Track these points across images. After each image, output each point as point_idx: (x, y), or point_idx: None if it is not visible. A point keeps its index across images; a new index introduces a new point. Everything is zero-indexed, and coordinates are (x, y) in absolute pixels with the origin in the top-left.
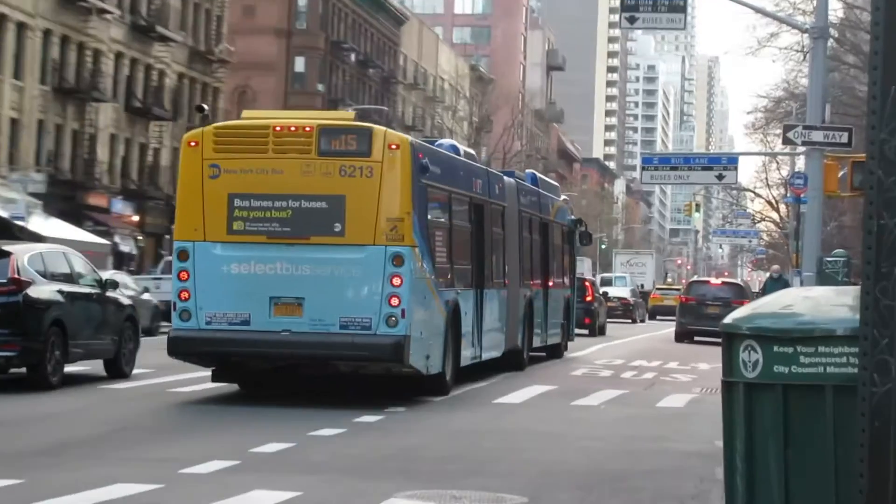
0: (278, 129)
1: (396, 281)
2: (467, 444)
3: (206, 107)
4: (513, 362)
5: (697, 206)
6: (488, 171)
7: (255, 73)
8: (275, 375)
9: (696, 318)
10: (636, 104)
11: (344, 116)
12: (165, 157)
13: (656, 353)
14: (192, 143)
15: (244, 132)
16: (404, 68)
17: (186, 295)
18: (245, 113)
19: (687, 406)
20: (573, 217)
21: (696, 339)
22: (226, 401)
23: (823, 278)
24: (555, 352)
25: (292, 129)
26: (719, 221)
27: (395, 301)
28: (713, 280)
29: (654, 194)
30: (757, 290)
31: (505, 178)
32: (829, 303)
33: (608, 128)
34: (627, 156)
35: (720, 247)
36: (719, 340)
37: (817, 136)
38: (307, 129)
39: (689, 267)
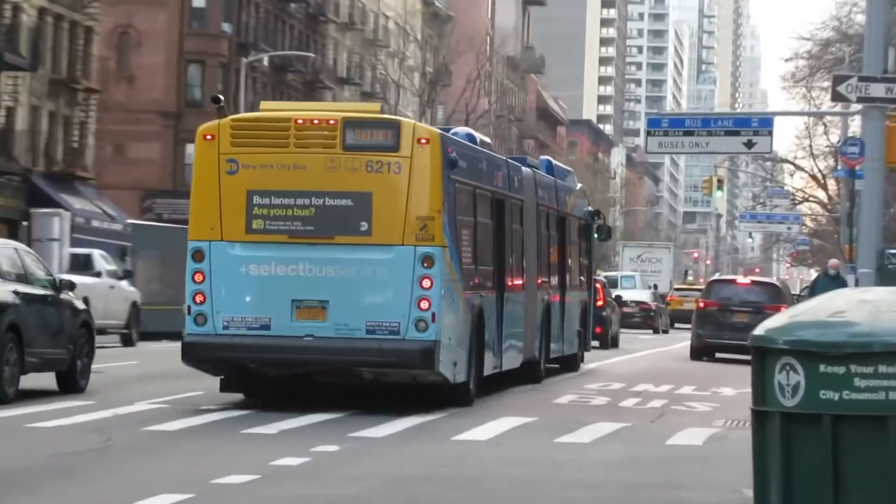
0: (300, 121)
1: (426, 283)
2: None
3: (221, 98)
4: (529, 374)
5: (720, 182)
6: (508, 162)
7: (141, 10)
8: (283, 386)
9: (718, 329)
10: (640, 49)
11: (370, 109)
12: (22, 119)
13: (666, 375)
14: (208, 137)
15: (264, 125)
16: (336, 3)
17: (202, 298)
18: (263, 104)
19: (706, 444)
20: (590, 208)
21: (718, 355)
22: (181, 426)
23: (885, 276)
24: (570, 364)
25: (315, 121)
26: (748, 203)
27: (424, 304)
28: (740, 279)
29: (663, 167)
30: (799, 293)
31: (522, 168)
32: (892, 308)
33: (603, 80)
34: (628, 117)
35: (749, 236)
36: (748, 358)
37: (877, 89)
38: (331, 122)
39: (708, 262)
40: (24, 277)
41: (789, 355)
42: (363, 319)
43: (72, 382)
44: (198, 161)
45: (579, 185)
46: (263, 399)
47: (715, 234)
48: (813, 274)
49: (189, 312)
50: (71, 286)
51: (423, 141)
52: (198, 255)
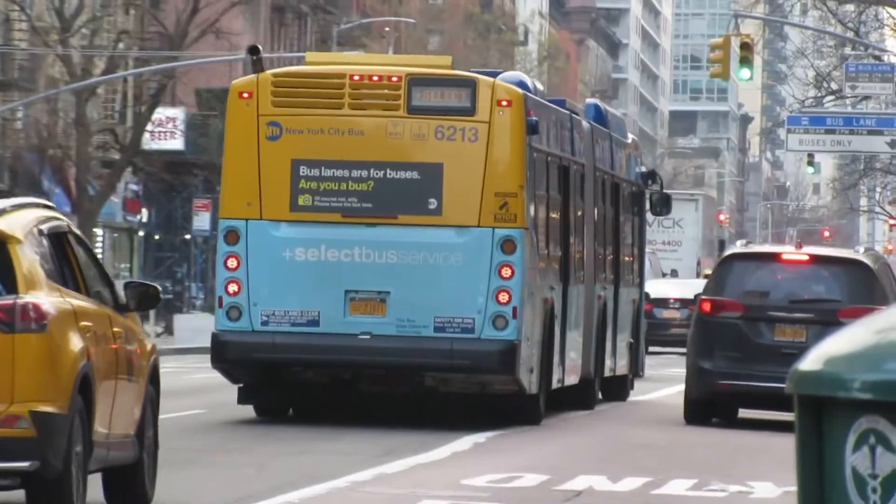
0: (356, 77)
1: (506, 272)
2: None
3: (259, 48)
4: (580, 396)
5: (745, 50)
6: (571, 117)
7: None
8: (315, 396)
9: (744, 359)
10: None
11: (440, 63)
12: None
13: (641, 457)
14: (245, 95)
15: (312, 81)
16: None
17: (236, 288)
18: (309, 56)
19: None
20: (643, 169)
21: (744, 413)
22: None
23: None
24: (619, 389)
25: (374, 78)
26: (804, 94)
27: (504, 297)
28: (788, 252)
29: (627, 18)
30: None
31: (582, 122)
32: None
33: None
34: None
35: (809, 161)
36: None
37: None
38: (394, 78)
39: (725, 221)
40: None
41: (876, 412)
42: (431, 315)
43: None
44: (232, 124)
45: (631, 137)
46: (284, 411)
47: (737, 158)
48: None
49: (220, 305)
50: None
51: (504, 103)
52: (231, 236)
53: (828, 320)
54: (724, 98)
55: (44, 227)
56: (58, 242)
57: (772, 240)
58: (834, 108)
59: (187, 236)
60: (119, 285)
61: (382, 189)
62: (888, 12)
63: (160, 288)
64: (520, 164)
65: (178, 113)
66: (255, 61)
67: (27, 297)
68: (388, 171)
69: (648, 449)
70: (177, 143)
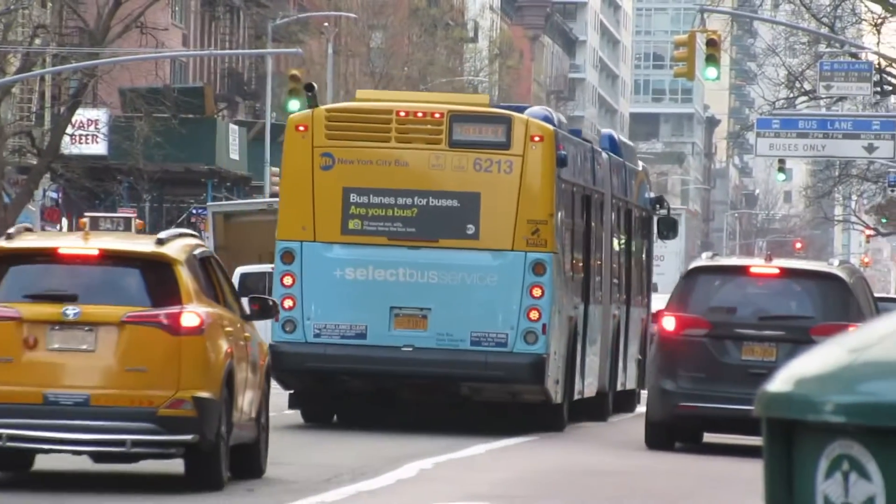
0: (403, 114)
1: (537, 292)
2: None
3: (314, 85)
4: (595, 408)
5: (712, 47)
6: (593, 149)
7: None
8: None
9: (710, 380)
10: None
11: (478, 101)
12: None
13: (597, 485)
14: (300, 128)
15: (362, 116)
16: None
17: (291, 303)
18: (360, 93)
19: None
20: (652, 195)
21: (710, 437)
22: None
23: None
24: (628, 402)
25: (419, 114)
26: (774, 95)
27: (534, 315)
28: (757, 265)
29: (585, 11)
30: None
31: (602, 154)
32: None
33: None
34: None
35: (780, 167)
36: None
37: None
38: (436, 115)
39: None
40: None
41: (850, 436)
42: (468, 330)
43: None
44: (289, 154)
45: (641, 165)
46: (329, 417)
47: (703, 164)
48: None
49: (277, 318)
50: None
51: (537, 138)
52: (287, 257)
53: (799, 338)
54: (689, 99)
55: (195, 252)
56: (204, 264)
57: (740, 252)
58: (807, 109)
59: None
60: (244, 300)
61: (425, 215)
62: (866, 6)
63: (277, 301)
64: (550, 194)
65: (100, 115)
66: (311, 97)
67: (189, 307)
68: (431, 199)
69: (597, 476)
70: (99, 148)
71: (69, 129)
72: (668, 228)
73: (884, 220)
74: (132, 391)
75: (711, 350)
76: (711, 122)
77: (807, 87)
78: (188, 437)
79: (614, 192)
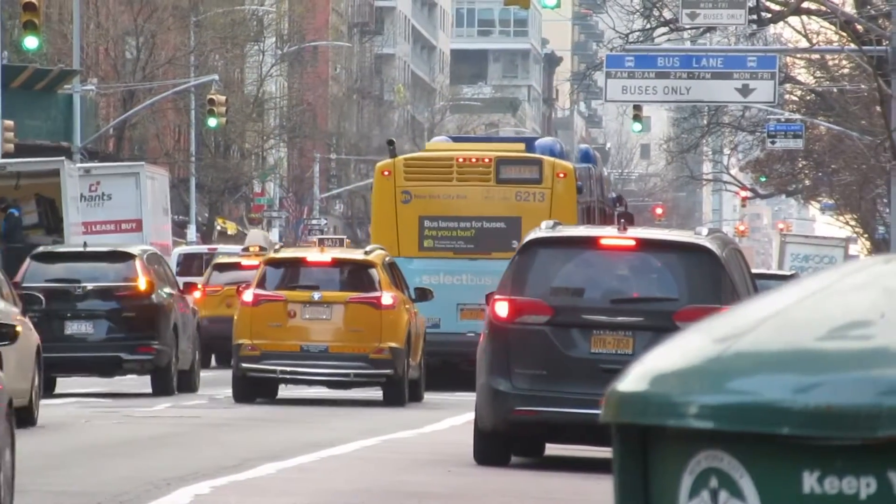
0: (461, 160)
1: None
2: None
3: (394, 140)
4: None
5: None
6: (590, 169)
7: None
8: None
9: (548, 377)
10: None
11: (517, 149)
12: None
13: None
14: (385, 173)
15: (431, 163)
16: None
17: None
18: (429, 145)
19: None
20: (613, 194)
21: (553, 449)
22: None
23: None
24: None
25: (473, 160)
26: (629, 16)
27: None
28: (607, 234)
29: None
30: (779, 270)
31: (591, 168)
32: None
33: None
34: None
35: (635, 116)
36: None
37: None
38: (486, 160)
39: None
40: None
41: (719, 446)
42: None
43: None
44: (377, 193)
45: (607, 172)
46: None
47: (541, 112)
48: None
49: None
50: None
51: (562, 175)
52: None
53: (661, 325)
54: (524, 33)
55: (385, 259)
56: (391, 268)
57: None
58: (668, 44)
59: None
60: (411, 289)
61: (480, 234)
62: None
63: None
64: (573, 216)
65: None
66: (392, 150)
67: (385, 293)
68: (484, 222)
69: (422, 499)
70: None
71: None
72: (628, 223)
73: (762, 179)
74: (353, 343)
75: (554, 341)
76: (551, 61)
77: (667, 15)
78: (389, 371)
79: (598, 197)
